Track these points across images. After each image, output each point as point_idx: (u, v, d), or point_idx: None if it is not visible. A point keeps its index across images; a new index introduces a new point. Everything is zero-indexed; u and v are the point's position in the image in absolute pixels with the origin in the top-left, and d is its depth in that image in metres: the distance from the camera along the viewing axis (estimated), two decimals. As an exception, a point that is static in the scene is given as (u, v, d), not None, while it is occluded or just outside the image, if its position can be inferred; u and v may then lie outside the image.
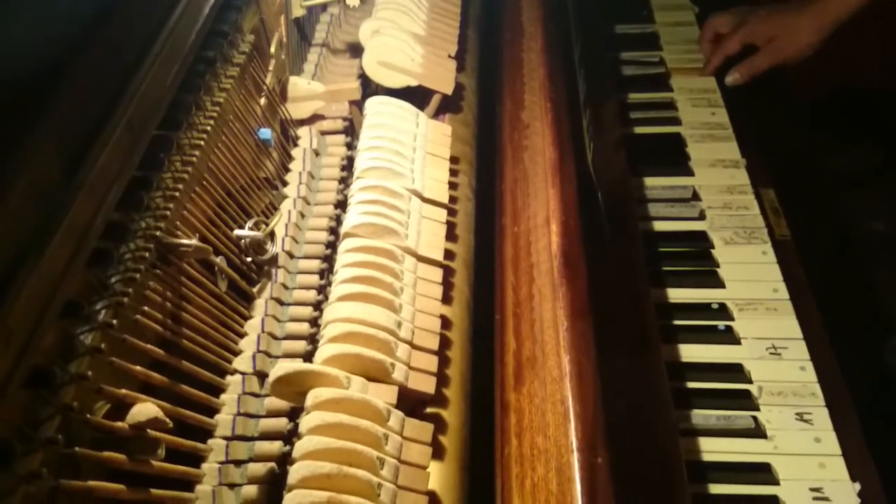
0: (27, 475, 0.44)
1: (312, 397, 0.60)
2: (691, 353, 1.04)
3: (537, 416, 0.63)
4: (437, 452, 0.65)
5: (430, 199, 0.78)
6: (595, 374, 0.65)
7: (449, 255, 0.79)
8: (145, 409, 0.51)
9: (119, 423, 0.51)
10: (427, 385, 0.65)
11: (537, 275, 0.74)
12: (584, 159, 1.00)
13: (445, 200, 0.79)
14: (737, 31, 1.40)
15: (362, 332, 0.64)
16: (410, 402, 0.66)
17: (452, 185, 0.86)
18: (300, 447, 0.57)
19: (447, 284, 0.76)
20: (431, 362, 0.66)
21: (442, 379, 0.70)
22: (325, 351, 0.63)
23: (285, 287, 0.76)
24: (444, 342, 0.73)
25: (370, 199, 0.74)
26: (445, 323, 0.74)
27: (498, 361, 0.74)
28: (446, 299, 0.76)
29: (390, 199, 0.75)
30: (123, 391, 0.51)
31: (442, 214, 0.78)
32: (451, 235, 0.82)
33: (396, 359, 0.65)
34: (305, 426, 0.58)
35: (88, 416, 0.48)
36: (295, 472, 0.56)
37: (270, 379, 0.61)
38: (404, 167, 0.79)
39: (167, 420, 0.53)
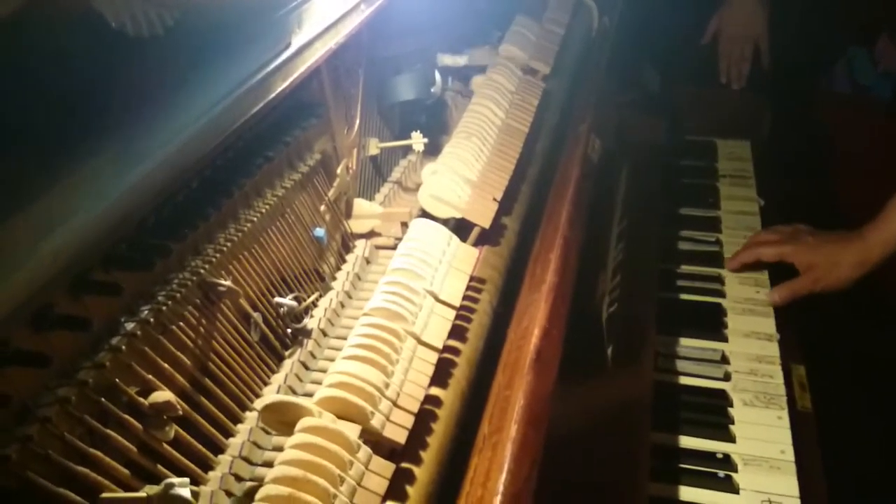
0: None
1: (300, 424, 0.74)
2: (690, 495, 1.11)
3: (481, 473, 0.74)
4: (401, 497, 0.77)
5: (443, 301, 0.93)
6: (539, 447, 0.76)
7: (454, 350, 0.93)
8: (163, 394, 0.68)
9: (140, 398, 0.67)
10: (400, 436, 0.78)
11: (517, 371, 0.87)
12: (593, 304, 1.12)
13: (457, 304, 0.94)
14: (780, 245, 1.47)
15: (353, 383, 0.78)
16: (384, 452, 0.79)
17: (473, 299, 1.01)
18: (280, 457, 0.71)
19: (444, 371, 0.90)
20: (408, 419, 0.79)
21: (420, 442, 0.82)
22: (319, 393, 0.78)
23: (313, 356, 0.92)
24: (430, 416, 0.85)
25: (391, 290, 0.90)
26: (435, 401, 0.87)
27: (475, 449, 0.85)
28: (442, 384, 0.89)
29: (407, 293, 0.91)
30: (150, 376, 0.68)
31: (450, 314, 0.93)
32: (461, 336, 0.96)
33: (378, 410, 0.78)
34: (289, 443, 0.72)
35: (117, 380, 0.64)
36: (270, 473, 0.69)
37: (260, 406, 0.76)
38: (427, 273, 0.95)
39: (178, 408, 0.68)
